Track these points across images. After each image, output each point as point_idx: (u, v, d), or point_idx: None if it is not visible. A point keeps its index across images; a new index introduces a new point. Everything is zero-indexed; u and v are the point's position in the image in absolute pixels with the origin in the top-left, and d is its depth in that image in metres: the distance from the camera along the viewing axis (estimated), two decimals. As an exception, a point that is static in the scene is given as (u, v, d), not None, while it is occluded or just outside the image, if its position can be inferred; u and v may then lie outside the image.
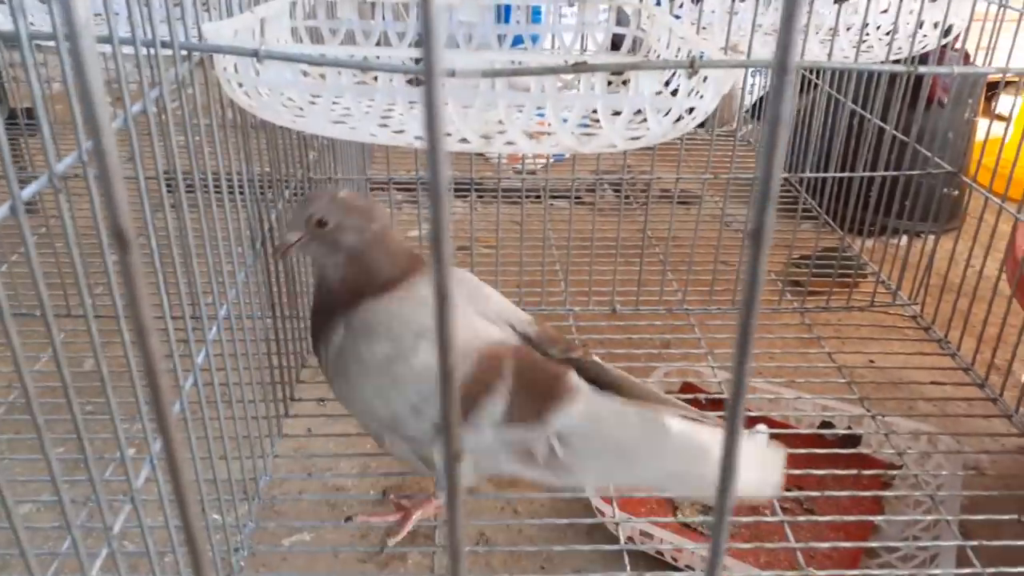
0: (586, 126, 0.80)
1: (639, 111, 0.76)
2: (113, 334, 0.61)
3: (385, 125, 0.76)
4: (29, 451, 1.01)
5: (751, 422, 1.08)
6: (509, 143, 0.70)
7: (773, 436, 1.06)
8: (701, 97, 0.73)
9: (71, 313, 1.18)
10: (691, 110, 0.74)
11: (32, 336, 1.09)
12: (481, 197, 1.73)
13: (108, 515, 0.56)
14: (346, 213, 0.75)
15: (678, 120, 0.74)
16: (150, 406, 0.22)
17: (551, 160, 1.89)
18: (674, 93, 0.75)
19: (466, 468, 0.76)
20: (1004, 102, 2.02)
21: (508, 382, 0.71)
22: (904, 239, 1.38)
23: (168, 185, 0.64)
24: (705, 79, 0.72)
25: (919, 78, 1.32)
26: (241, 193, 0.82)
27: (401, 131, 0.74)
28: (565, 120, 0.72)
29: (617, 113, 0.73)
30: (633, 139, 0.73)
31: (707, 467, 0.70)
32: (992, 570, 0.79)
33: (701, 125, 2.18)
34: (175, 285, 0.66)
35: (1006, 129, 1.13)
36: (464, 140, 0.72)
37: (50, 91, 1.85)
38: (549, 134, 0.73)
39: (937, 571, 0.84)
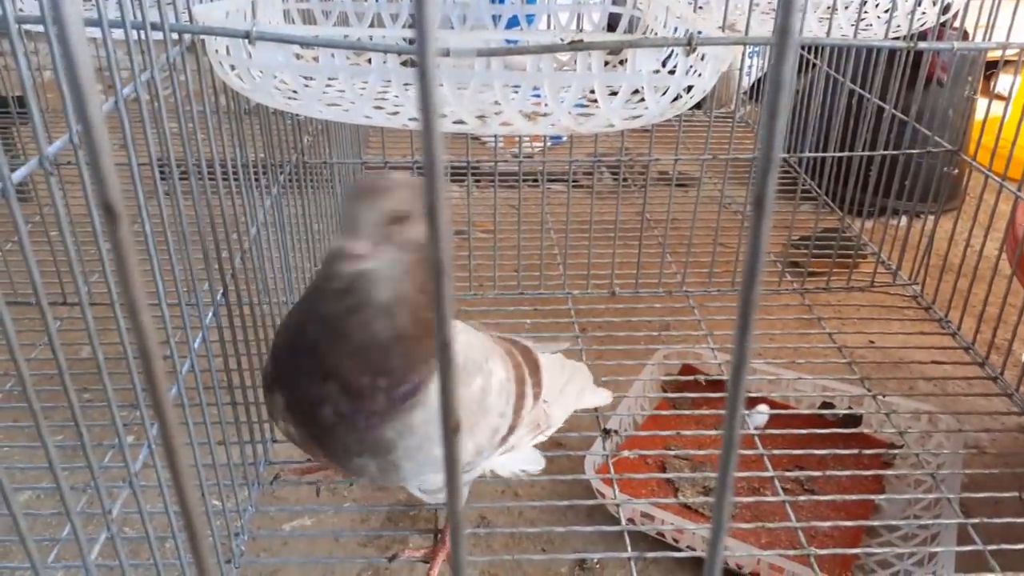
0: (583, 107, 0.79)
1: (636, 91, 0.75)
2: (109, 321, 0.60)
3: (380, 107, 0.75)
4: (28, 439, 1.00)
5: (751, 403, 1.08)
6: (505, 124, 0.70)
7: (774, 417, 1.06)
8: (699, 75, 0.73)
9: (67, 301, 1.17)
10: (689, 89, 0.73)
11: (30, 324, 1.08)
12: (478, 182, 1.72)
13: (107, 500, 0.56)
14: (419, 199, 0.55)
15: (676, 99, 0.74)
16: (146, 390, 0.22)
17: (548, 143, 1.88)
18: (672, 73, 0.75)
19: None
20: (1003, 81, 2.01)
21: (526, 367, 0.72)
22: (904, 220, 1.37)
23: (162, 172, 0.64)
24: (703, 57, 0.71)
25: (918, 57, 1.31)
26: (235, 178, 0.82)
27: (396, 113, 0.73)
28: (562, 101, 0.71)
29: (614, 93, 0.73)
30: (631, 119, 0.72)
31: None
32: (993, 547, 0.79)
33: (699, 107, 2.17)
34: (170, 273, 0.66)
35: (1005, 108, 1.12)
36: (460, 122, 0.71)
37: (41, 79, 1.84)
38: (546, 114, 0.72)
39: (938, 549, 0.84)
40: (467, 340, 0.67)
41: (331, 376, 0.57)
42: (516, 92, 0.71)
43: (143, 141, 0.61)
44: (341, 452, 0.60)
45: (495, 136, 1.19)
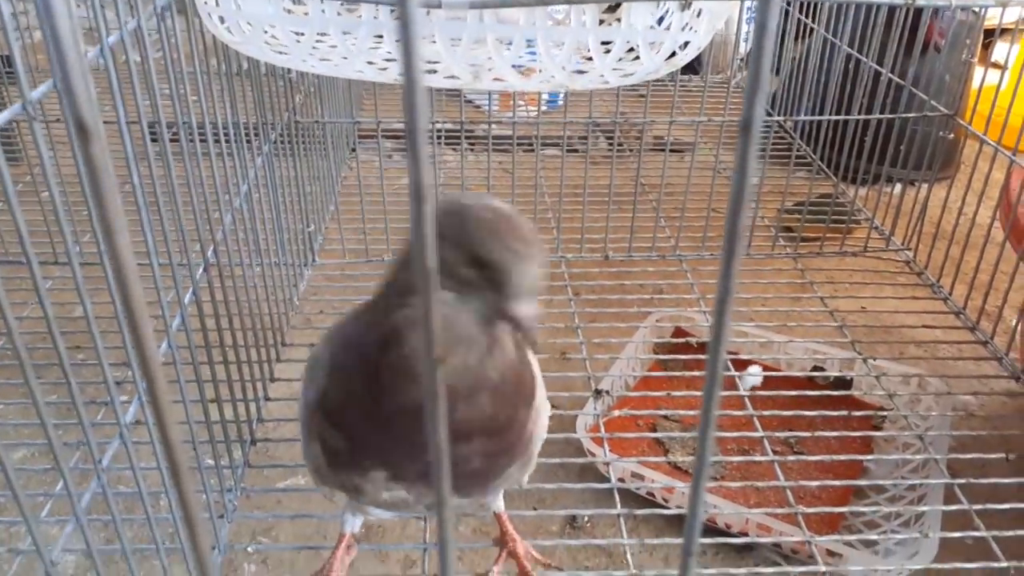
0: (578, 66, 0.78)
1: (631, 49, 0.74)
2: (100, 280, 0.60)
3: (371, 62, 0.74)
4: (22, 396, 1.01)
5: (742, 365, 1.08)
6: (498, 79, 0.69)
7: (764, 379, 1.07)
8: (694, 32, 0.72)
9: (58, 260, 1.17)
10: (685, 45, 0.73)
11: (22, 284, 1.08)
12: (472, 147, 1.71)
13: (97, 453, 0.56)
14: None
15: (671, 56, 0.73)
16: (129, 326, 0.22)
17: (543, 107, 1.86)
18: (667, 29, 0.74)
19: None
20: (1000, 50, 1.99)
21: None
22: (898, 187, 1.37)
23: (152, 130, 0.63)
24: (699, 13, 0.70)
25: (915, 22, 1.29)
26: (226, 136, 0.81)
27: (385, 69, 0.73)
28: (556, 57, 0.70)
29: (609, 51, 0.72)
30: (625, 75, 0.72)
31: None
32: (979, 507, 0.80)
33: (695, 72, 2.15)
34: (161, 232, 0.65)
35: (1001, 76, 1.11)
36: (452, 77, 0.71)
37: (31, 40, 1.82)
38: (539, 70, 0.71)
39: (924, 508, 0.85)
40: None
41: (476, 433, 0.51)
42: (509, 48, 0.70)
43: (133, 102, 0.60)
44: (484, 483, 0.56)
45: (489, 97, 1.18)
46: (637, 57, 0.74)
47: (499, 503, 0.74)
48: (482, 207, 0.47)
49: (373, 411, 0.50)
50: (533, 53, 0.75)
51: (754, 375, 1.06)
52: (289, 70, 1.03)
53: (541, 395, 0.59)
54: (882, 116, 1.25)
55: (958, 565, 0.75)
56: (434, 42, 0.71)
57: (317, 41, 0.76)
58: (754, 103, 0.20)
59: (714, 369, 0.23)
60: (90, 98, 0.19)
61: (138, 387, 0.62)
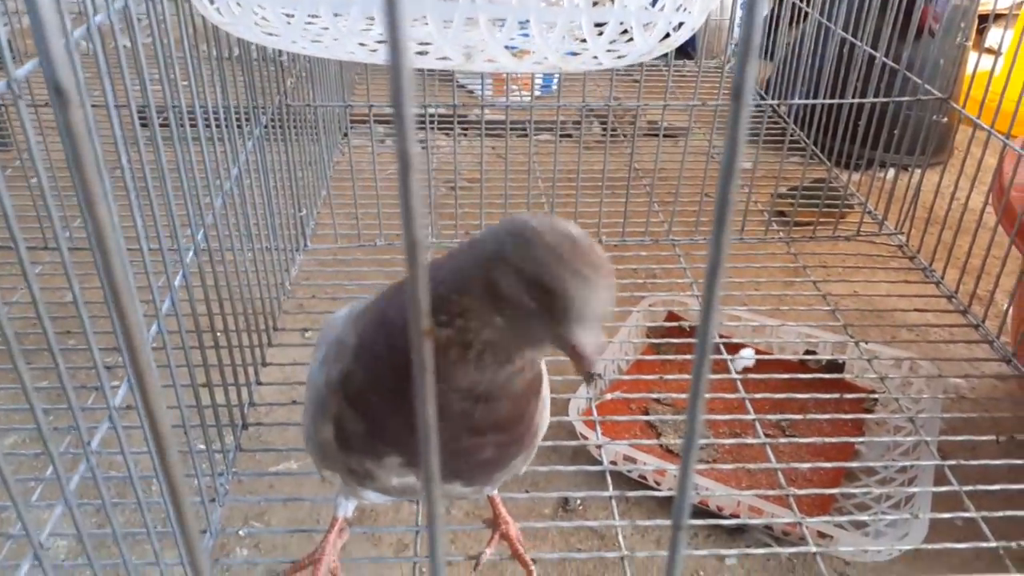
0: (573, 54, 0.78)
1: (625, 31, 0.74)
2: (90, 266, 0.59)
3: (363, 43, 0.73)
4: (13, 382, 1.00)
5: (735, 349, 1.09)
6: (491, 60, 0.68)
7: (757, 363, 1.07)
8: (688, 13, 0.71)
9: (48, 246, 1.16)
10: (679, 26, 0.72)
11: (12, 268, 1.07)
12: (465, 132, 1.70)
13: (87, 437, 0.56)
14: None
15: (665, 37, 0.72)
16: (115, 306, 0.21)
17: (537, 91, 1.86)
18: (661, 9, 0.73)
19: None
20: (994, 35, 1.99)
21: None
22: (891, 172, 1.37)
23: (141, 115, 0.62)
24: (692, -7, 0.70)
25: (910, 6, 1.29)
26: (216, 119, 0.80)
27: (376, 50, 0.72)
28: (549, 38, 0.70)
29: (602, 33, 0.71)
30: (619, 57, 0.71)
31: None
32: (969, 488, 0.81)
33: (689, 57, 2.14)
34: (151, 216, 0.65)
35: (995, 62, 1.11)
36: (444, 58, 0.70)
37: (20, 25, 1.80)
38: (532, 51, 0.71)
39: (915, 489, 0.85)
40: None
41: (489, 429, 0.51)
42: (502, 29, 0.69)
43: (122, 86, 0.60)
44: (493, 471, 0.56)
45: (481, 81, 1.17)
46: (631, 39, 0.73)
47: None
48: (551, 230, 0.45)
49: (398, 396, 0.49)
50: (526, 35, 0.74)
51: (747, 357, 1.06)
52: (280, 53, 1.02)
53: (546, 386, 0.59)
54: (876, 100, 1.25)
55: (948, 545, 0.76)
56: (426, 23, 0.71)
57: (307, 23, 0.76)
58: (746, 68, 0.20)
59: (706, 329, 0.23)
60: (68, 61, 0.18)
61: (128, 369, 0.62)
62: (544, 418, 0.59)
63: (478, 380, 0.48)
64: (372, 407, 0.51)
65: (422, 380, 0.23)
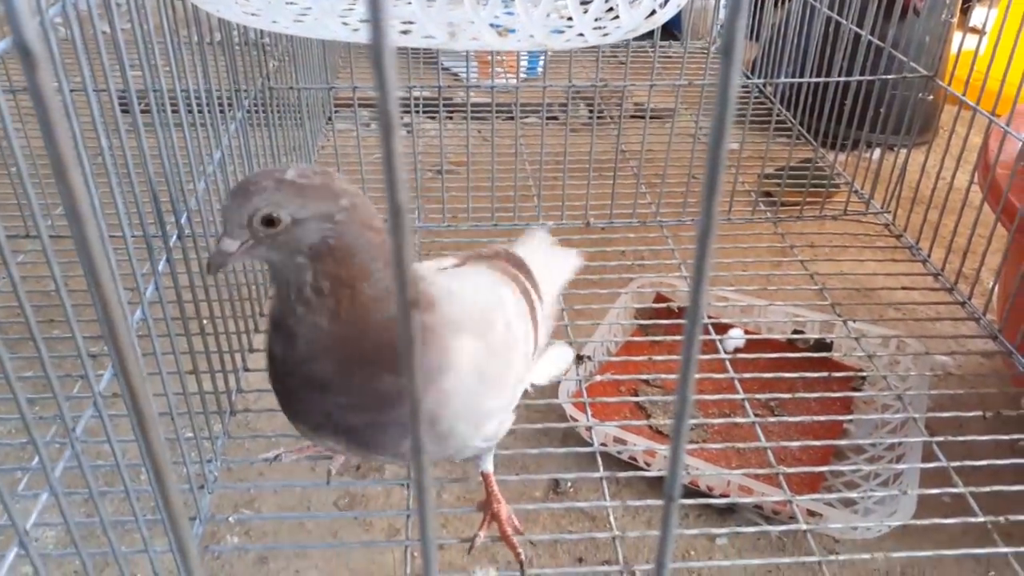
0: (558, 32, 0.77)
1: (611, 9, 0.73)
2: (74, 254, 0.58)
3: (346, 23, 0.72)
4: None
5: (723, 330, 1.09)
6: (475, 38, 0.67)
7: (746, 343, 1.07)
8: (674, -11, 0.70)
9: (29, 234, 1.14)
10: (665, 3, 0.71)
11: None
12: (451, 117, 1.69)
13: (72, 424, 0.55)
14: (303, 200, 0.51)
15: (651, 14, 0.72)
16: (92, 281, 0.21)
17: (523, 66, 1.84)
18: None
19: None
20: (978, 14, 1.99)
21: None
22: (877, 152, 1.37)
23: (123, 101, 0.61)
24: (678, -31, 0.69)
25: (896, -16, 1.29)
26: (198, 102, 0.79)
27: (358, 29, 0.71)
28: (533, 16, 0.69)
29: (587, 10, 0.71)
30: (604, 34, 0.71)
31: None
32: (956, 463, 0.81)
33: (675, 39, 2.12)
34: (132, 199, 0.64)
35: (979, 41, 1.11)
36: (428, 36, 0.69)
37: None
38: (517, 29, 0.70)
39: (903, 466, 0.86)
40: (474, 283, 0.64)
41: (352, 408, 0.54)
42: (486, 6, 0.68)
43: (101, 69, 0.59)
44: (390, 446, 0.58)
45: (467, 63, 1.16)
46: (617, 16, 0.72)
47: (487, 464, 0.74)
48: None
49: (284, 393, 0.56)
50: (511, 13, 0.73)
51: (736, 338, 1.06)
52: (262, 35, 1.00)
53: (464, 380, 0.57)
54: (862, 78, 1.25)
55: (936, 521, 0.76)
56: (409, 2, 0.70)
57: (289, 2, 0.74)
58: (735, 25, 0.20)
59: (696, 305, 0.23)
60: (36, 22, 0.18)
61: (113, 356, 0.61)
62: (450, 410, 0.58)
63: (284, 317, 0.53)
64: (274, 388, 0.57)
65: (408, 353, 0.22)
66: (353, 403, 0.54)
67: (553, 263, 0.82)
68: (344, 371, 0.53)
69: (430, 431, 0.57)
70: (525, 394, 0.72)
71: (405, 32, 0.69)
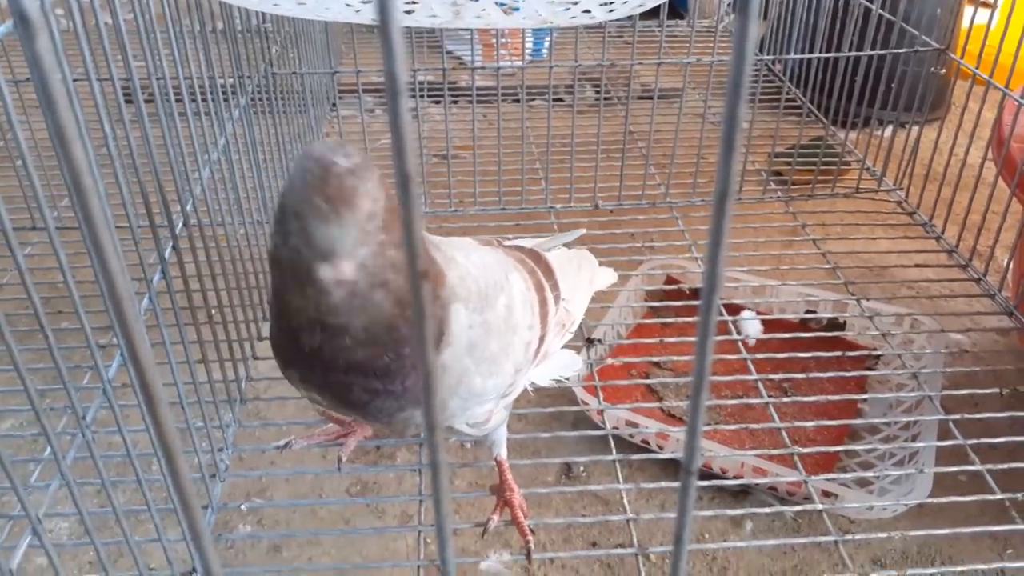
0: (564, 9, 0.76)
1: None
2: (81, 245, 0.58)
3: (348, 3, 0.71)
4: (8, 364, 0.99)
5: (735, 310, 1.08)
6: (479, 16, 0.66)
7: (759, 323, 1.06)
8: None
9: (36, 226, 1.14)
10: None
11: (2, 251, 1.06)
12: (455, 101, 1.68)
13: (81, 410, 0.55)
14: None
15: (657, -10, 0.71)
16: (97, 258, 0.20)
17: (528, 49, 1.83)
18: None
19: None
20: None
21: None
22: (888, 130, 1.35)
23: (126, 91, 0.60)
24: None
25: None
26: (201, 88, 0.78)
27: (360, 11, 0.70)
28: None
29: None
30: (611, 10, 0.69)
31: None
32: (973, 441, 0.80)
33: (681, 17, 2.10)
34: (138, 189, 0.63)
35: (991, 15, 1.09)
36: (433, 16, 0.68)
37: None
38: (523, 5, 0.69)
39: (919, 444, 0.85)
40: (482, 259, 0.62)
41: (352, 369, 0.52)
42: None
43: (104, 59, 0.58)
44: (384, 416, 0.57)
45: (471, 45, 1.15)
46: (622, -7, 0.71)
47: (501, 450, 0.73)
48: (306, 156, 0.46)
49: (278, 320, 0.53)
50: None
51: (750, 318, 1.05)
52: (264, 19, 1.00)
53: (458, 355, 0.56)
54: (873, 52, 1.23)
55: (953, 499, 0.75)
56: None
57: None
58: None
59: (712, 283, 0.22)
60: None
61: (121, 343, 0.61)
62: (465, 386, 0.58)
63: (303, 306, 0.48)
64: (273, 321, 0.55)
65: (420, 324, 0.21)
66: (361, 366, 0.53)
67: (583, 275, 0.80)
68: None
69: (418, 405, 0.56)
70: (524, 393, 0.71)
71: (409, 11, 0.68)
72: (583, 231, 0.94)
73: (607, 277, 0.87)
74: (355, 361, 0.52)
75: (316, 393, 0.57)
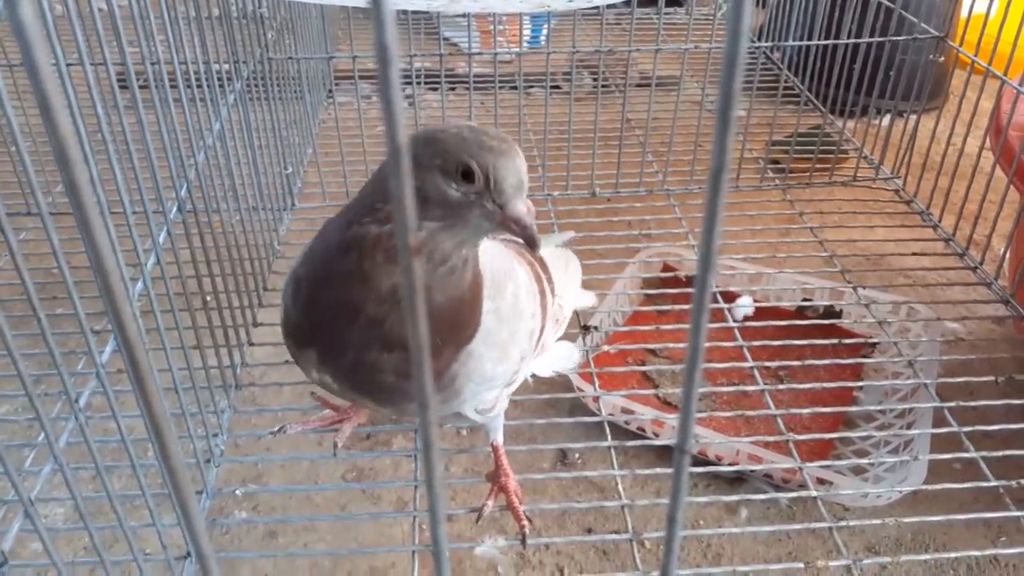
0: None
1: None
2: (75, 230, 0.58)
3: (343, -13, 0.71)
4: (3, 350, 0.99)
5: (732, 297, 1.08)
6: (476, 0, 0.66)
7: (755, 311, 1.06)
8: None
9: (30, 211, 1.14)
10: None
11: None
12: (453, 88, 1.67)
13: (74, 393, 0.55)
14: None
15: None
16: (86, 234, 0.20)
17: (526, 37, 1.82)
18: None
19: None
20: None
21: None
22: (887, 118, 1.35)
23: (120, 76, 0.60)
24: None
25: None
26: (196, 73, 0.78)
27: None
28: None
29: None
30: (608, -6, 0.69)
31: None
32: (968, 429, 0.80)
33: (679, 5, 2.09)
34: (132, 173, 0.63)
35: (990, 4, 1.08)
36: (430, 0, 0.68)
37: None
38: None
39: (914, 431, 0.85)
40: (490, 250, 0.63)
41: (397, 347, 0.53)
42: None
43: (98, 44, 0.57)
44: (398, 400, 0.58)
45: (468, 32, 1.14)
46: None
47: (498, 436, 0.73)
48: (448, 126, 0.49)
49: (318, 297, 0.55)
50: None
51: (745, 305, 1.05)
52: (260, 4, 0.99)
53: (479, 342, 0.57)
54: (871, 40, 1.22)
55: (947, 486, 0.76)
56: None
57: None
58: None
59: (706, 264, 0.22)
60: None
61: (115, 327, 0.61)
62: (479, 373, 0.59)
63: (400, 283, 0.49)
64: (302, 303, 0.56)
65: (411, 298, 0.21)
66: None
67: (571, 276, 0.83)
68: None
69: (447, 387, 0.58)
70: (524, 384, 0.71)
71: (405, -5, 0.67)
72: (573, 234, 0.95)
73: (586, 299, 0.89)
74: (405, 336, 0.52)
75: (330, 375, 0.58)
